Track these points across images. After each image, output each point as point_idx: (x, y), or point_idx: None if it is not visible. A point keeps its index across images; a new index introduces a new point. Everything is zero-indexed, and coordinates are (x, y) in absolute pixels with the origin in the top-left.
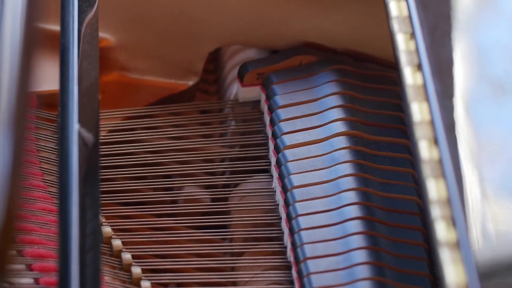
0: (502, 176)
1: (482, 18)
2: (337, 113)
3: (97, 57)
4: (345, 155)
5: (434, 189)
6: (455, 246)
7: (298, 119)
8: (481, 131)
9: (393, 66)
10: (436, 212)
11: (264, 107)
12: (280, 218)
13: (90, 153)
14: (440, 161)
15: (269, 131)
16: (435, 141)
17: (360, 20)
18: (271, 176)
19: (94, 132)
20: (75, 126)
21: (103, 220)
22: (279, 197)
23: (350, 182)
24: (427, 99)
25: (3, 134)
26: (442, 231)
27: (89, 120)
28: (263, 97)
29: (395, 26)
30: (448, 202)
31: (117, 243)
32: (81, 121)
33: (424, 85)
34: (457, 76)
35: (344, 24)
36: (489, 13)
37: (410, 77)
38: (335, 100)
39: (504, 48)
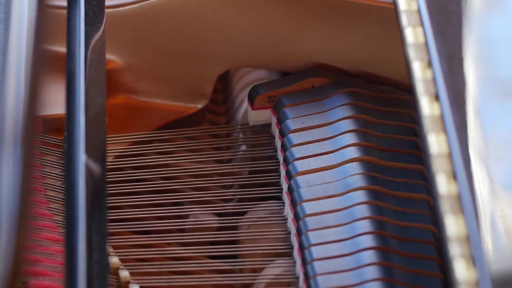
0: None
1: (499, 46)
2: (350, 138)
3: (104, 83)
4: (358, 181)
5: (453, 225)
6: (475, 286)
7: (310, 144)
8: (489, 132)
9: (408, 89)
10: (455, 250)
11: (275, 131)
12: (292, 247)
13: (97, 185)
14: (459, 197)
15: (280, 156)
16: (454, 175)
17: (373, 41)
18: (283, 203)
19: (101, 163)
20: (81, 157)
21: (110, 250)
22: (291, 225)
23: (364, 211)
24: (444, 130)
25: (10, 160)
26: (461, 270)
27: (96, 150)
28: (274, 121)
29: (411, 53)
30: (468, 239)
31: (124, 274)
32: (88, 151)
33: (442, 116)
34: (467, 80)
35: (357, 45)
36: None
37: (427, 107)
38: (348, 124)
39: None
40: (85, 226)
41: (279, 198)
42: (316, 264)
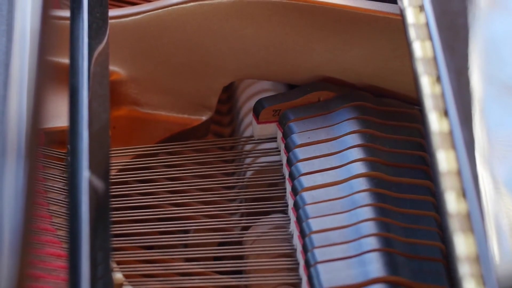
0: None
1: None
2: (357, 153)
3: (107, 97)
4: (365, 198)
5: (463, 244)
6: None
7: (316, 159)
8: (499, 147)
9: (415, 102)
10: (465, 270)
11: (281, 146)
12: (298, 264)
13: (100, 201)
14: (469, 215)
15: (286, 171)
16: (463, 193)
17: (380, 53)
18: (288, 218)
19: (105, 178)
20: (85, 173)
21: (114, 265)
22: (297, 242)
23: (370, 227)
24: (454, 147)
25: (13, 173)
26: None
27: (100, 165)
28: (279, 135)
29: (420, 67)
30: (478, 259)
31: None
32: (91, 167)
33: (451, 133)
34: (476, 95)
35: (364, 57)
36: None
37: (436, 123)
38: (354, 139)
39: None
40: (88, 242)
41: (284, 212)
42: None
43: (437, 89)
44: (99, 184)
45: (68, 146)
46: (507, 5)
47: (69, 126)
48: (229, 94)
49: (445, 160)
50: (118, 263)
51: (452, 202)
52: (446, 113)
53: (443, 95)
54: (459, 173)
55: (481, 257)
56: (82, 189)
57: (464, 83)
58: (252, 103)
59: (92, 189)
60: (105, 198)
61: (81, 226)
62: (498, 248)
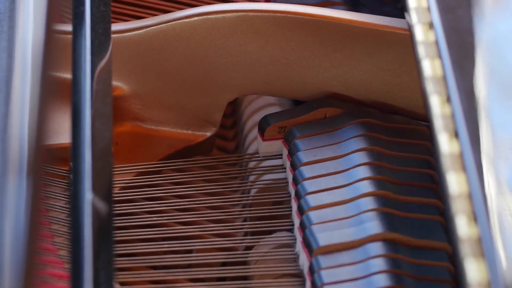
0: None
1: None
2: (364, 172)
3: (110, 115)
4: (372, 218)
5: (474, 270)
6: None
7: (323, 177)
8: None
9: (424, 118)
10: None
11: (286, 163)
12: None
13: (104, 223)
14: (480, 240)
15: (291, 190)
16: (474, 217)
17: (388, 68)
18: (293, 236)
19: (108, 200)
20: (87, 195)
21: (117, 286)
22: (303, 262)
23: (378, 248)
24: (464, 169)
25: (15, 192)
26: None
27: (103, 187)
28: (285, 152)
29: (429, 87)
30: (489, 285)
31: None
32: (94, 188)
33: (462, 154)
34: (483, 98)
35: (371, 73)
36: None
37: (446, 144)
38: (361, 157)
39: None
40: (91, 265)
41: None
42: None
43: (447, 109)
44: (102, 205)
45: (70, 163)
46: None
47: (71, 146)
48: (233, 108)
49: (455, 182)
50: (121, 283)
51: (463, 226)
52: (456, 134)
53: (453, 115)
54: (470, 196)
55: (493, 283)
56: (85, 211)
57: (474, 103)
58: (257, 117)
59: (95, 211)
60: (108, 219)
61: (83, 247)
62: (508, 272)
